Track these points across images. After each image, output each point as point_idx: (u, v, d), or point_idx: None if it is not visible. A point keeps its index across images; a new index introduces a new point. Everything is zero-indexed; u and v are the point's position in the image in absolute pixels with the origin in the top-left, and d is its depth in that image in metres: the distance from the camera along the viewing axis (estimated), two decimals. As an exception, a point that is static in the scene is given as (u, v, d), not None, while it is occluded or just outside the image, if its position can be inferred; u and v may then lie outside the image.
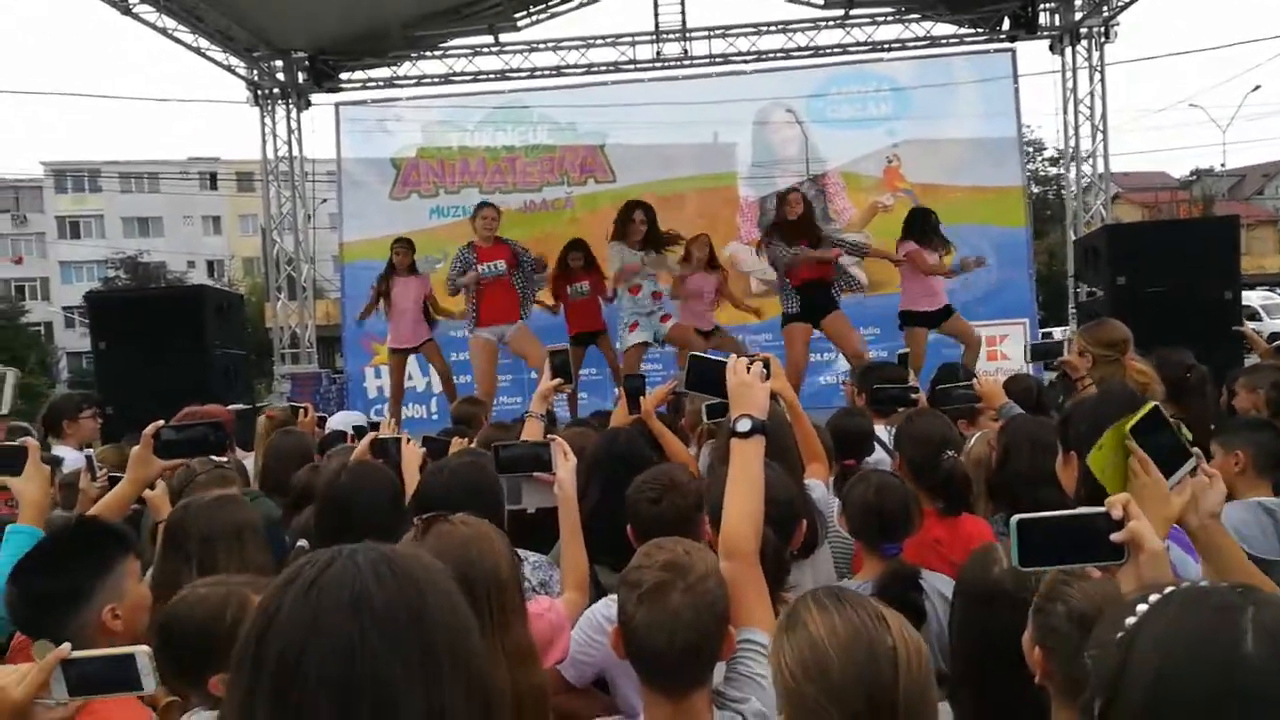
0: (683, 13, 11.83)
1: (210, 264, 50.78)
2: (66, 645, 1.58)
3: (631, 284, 7.74)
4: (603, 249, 8.36)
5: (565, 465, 2.45)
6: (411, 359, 9.05)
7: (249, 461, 4.46)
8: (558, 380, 3.69)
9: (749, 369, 2.15)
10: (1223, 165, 48.31)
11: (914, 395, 3.93)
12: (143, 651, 1.57)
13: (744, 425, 2.04)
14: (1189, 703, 0.93)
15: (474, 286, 7.69)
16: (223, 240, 52.40)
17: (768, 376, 2.22)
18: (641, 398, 3.83)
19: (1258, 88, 65.10)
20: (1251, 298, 25.01)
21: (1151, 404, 2.01)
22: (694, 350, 7.12)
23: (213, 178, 49.83)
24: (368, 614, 0.92)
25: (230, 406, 7.23)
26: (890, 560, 2.63)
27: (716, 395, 2.25)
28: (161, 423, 2.54)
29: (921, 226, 7.66)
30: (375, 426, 4.97)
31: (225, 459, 3.15)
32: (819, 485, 3.23)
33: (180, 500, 2.66)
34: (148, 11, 9.69)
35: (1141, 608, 1.03)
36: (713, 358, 2.33)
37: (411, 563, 1.00)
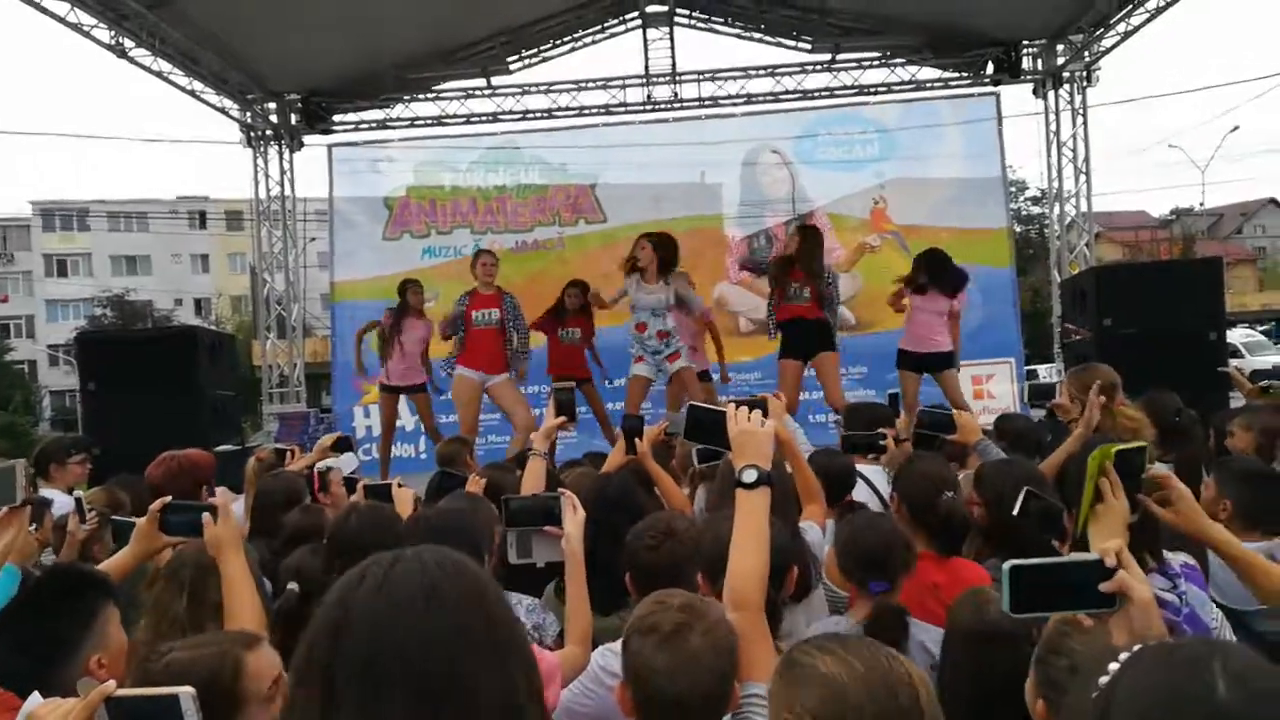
0: (672, 57, 12.00)
1: (198, 302, 50.71)
2: (112, 683, 1.57)
3: (639, 321, 7.65)
4: (604, 285, 8.38)
5: (574, 519, 2.43)
6: (401, 400, 9.02)
7: (238, 505, 4.42)
8: (561, 419, 3.68)
9: (749, 416, 2.15)
10: (1201, 204, 49.10)
11: (882, 442, 3.92)
12: (187, 693, 1.56)
13: (749, 476, 2.02)
14: None
15: (462, 335, 7.70)
16: (210, 278, 52.38)
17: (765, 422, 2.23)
18: (637, 439, 3.83)
19: (1236, 129, 66.22)
20: (1233, 335, 25.24)
21: (1143, 444, 2.08)
22: (694, 396, 7.14)
23: (202, 217, 49.91)
24: (439, 606, 0.96)
25: (219, 448, 7.21)
26: (877, 598, 2.62)
27: (716, 445, 2.24)
28: (169, 499, 2.53)
29: (932, 270, 7.58)
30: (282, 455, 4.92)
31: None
32: (814, 528, 3.23)
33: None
34: (144, 55, 9.77)
35: (1113, 666, 1.05)
36: (711, 407, 2.33)
37: (463, 559, 1.06)
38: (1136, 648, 1.05)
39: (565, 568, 2.45)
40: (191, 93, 10.89)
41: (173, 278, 51.16)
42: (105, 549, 3.73)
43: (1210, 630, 2.29)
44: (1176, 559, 2.32)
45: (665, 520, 2.55)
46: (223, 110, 11.65)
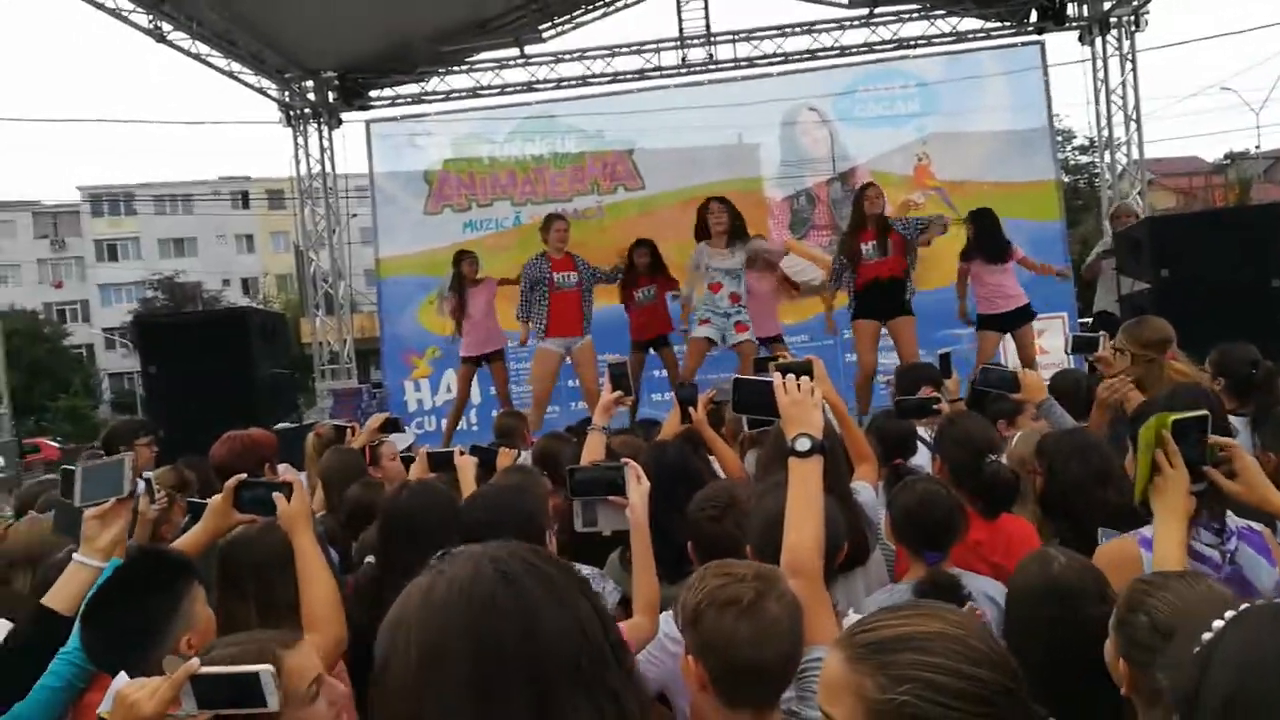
0: (706, 18, 11.84)
1: (245, 281, 51.53)
2: (195, 660, 1.63)
3: (713, 280, 7.65)
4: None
5: (638, 489, 2.46)
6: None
7: (301, 477, 4.52)
8: (618, 393, 3.72)
9: (799, 386, 2.15)
10: (1257, 148, 47.44)
11: (935, 405, 3.89)
12: (267, 670, 1.62)
13: (803, 445, 2.05)
14: (1265, 718, 0.94)
15: (545, 300, 7.83)
16: (256, 258, 53.14)
17: (814, 389, 2.23)
18: (692, 408, 3.85)
19: (1291, 67, 63.66)
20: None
21: (1204, 412, 2.06)
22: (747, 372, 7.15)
23: (244, 196, 50.54)
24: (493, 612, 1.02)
25: (278, 426, 7.36)
26: (931, 567, 2.64)
27: (766, 415, 2.25)
28: (244, 476, 2.60)
29: (978, 233, 7.55)
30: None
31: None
32: (867, 488, 3.23)
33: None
34: (182, 39, 9.88)
35: (1218, 624, 1.04)
36: (758, 379, 2.33)
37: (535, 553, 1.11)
38: (1243, 606, 1.04)
39: (630, 536, 2.48)
40: (230, 74, 11.00)
41: (219, 258, 52.00)
42: (173, 528, 3.84)
43: (1261, 593, 2.22)
44: (1238, 521, 2.29)
45: (727, 490, 2.57)
46: (261, 90, 11.76)
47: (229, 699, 1.63)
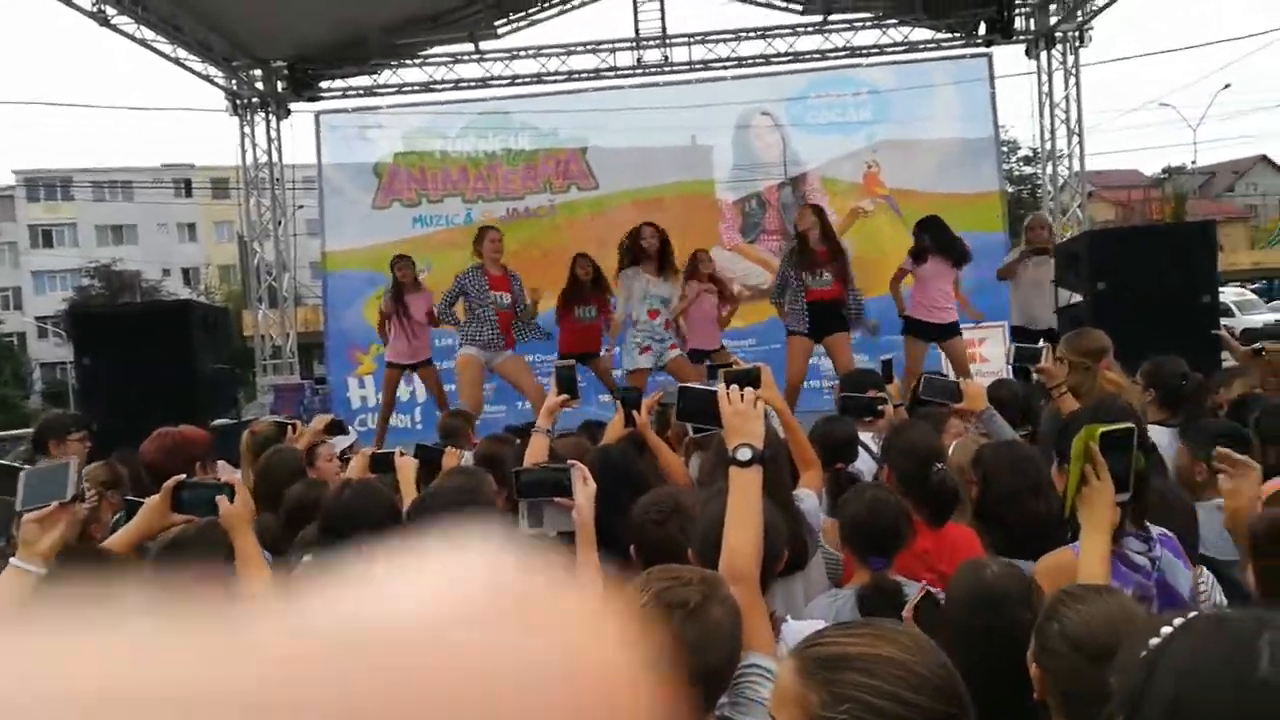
0: (662, 19, 11.88)
1: (186, 272, 50.38)
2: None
3: (652, 307, 7.68)
4: (594, 254, 8.38)
5: (584, 491, 2.47)
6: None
7: (236, 476, 4.44)
8: (564, 396, 3.71)
9: (742, 396, 2.19)
10: (1194, 163, 48.98)
11: (880, 406, 3.95)
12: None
13: (744, 454, 2.09)
14: None
15: (492, 315, 7.68)
16: (198, 247, 52.01)
17: (757, 399, 2.27)
18: (636, 412, 3.85)
19: (1227, 86, 65.70)
20: (1225, 294, 25.35)
21: (1130, 425, 2.14)
22: (689, 379, 7.23)
23: (187, 185, 49.42)
24: None
25: (216, 422, 7.21)
26: (875, 574, 2.69)
27: (709, 425, 2.28)
28: (183, 477, 2.56)
29: (938, 239, 7.68)
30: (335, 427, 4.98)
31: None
32: (810, 496, 3.26)
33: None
34: (126, 23, 9.62)
35: (1165, 630, 1.07)
36: (702, 388, 2.37)
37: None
38: (1191, 614, 1.08)
39: (576, 538, 2.48)
40: (176, 60, 10.75)
41: (159, 247, 50.77)
42: (103, 527, 3.75)
43: (1181, 596, 2.34)
44: (1155, 528, 2.37)
45: (672, 496, 2.58)
46: (207, 78, 11.51)
47: None
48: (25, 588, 2.14)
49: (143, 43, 10.03)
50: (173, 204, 49.33)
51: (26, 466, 2.47)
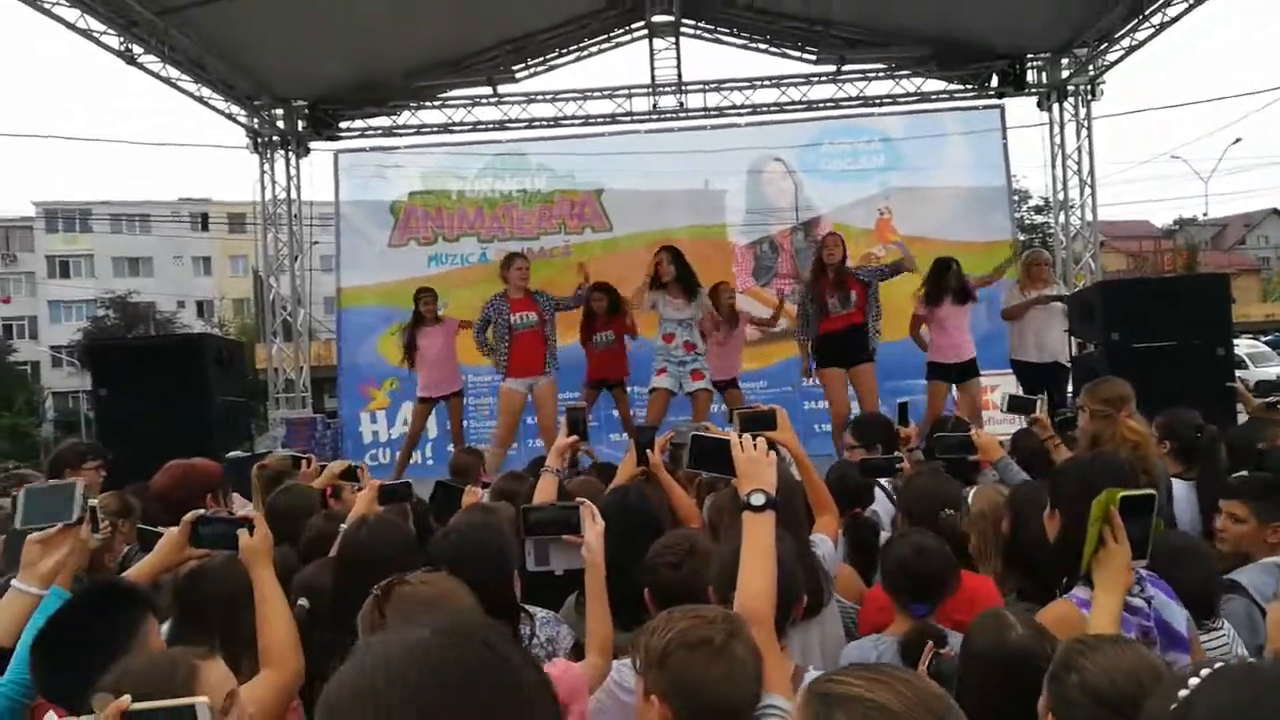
0: (678, 66, 12.05)
1: (200, 304, 50.75)
2: (127, 697, 1.58)
3: (667, 331, 7.80)
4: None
5: (594, 529, 2.48)
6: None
7: (247, 510, 4.44)
8: (574, 438, 3.73)
9: (755, 444, 2.22)
10: (1205, 215, 49.11)
11: (899, 465, 3.95)
12: (203, 703, 1.58)
13: (758, 500, 2.13)
14: None
15: (506, 341, 7.84)
16: (213, 281, 52.43)
17: (771, 447, 2.29)
18: (649, 451, 3.85)
19: (1238, 140, 66.32)
20: (1239, 346, 25.28)
21: (1151, 492, 2.16)
22: (704, 412, 7.29)
23: (204, 219, 49.95)
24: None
25: (229, 454, 7.24)
26: (918, 621, 2.66)
27: (722, 472, 2.30)
28: (202, 512, 2.57)
29: (940, 282, 7.73)
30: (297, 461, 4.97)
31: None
32: (825, 541, 3.25)
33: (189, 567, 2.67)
34: (152, 61, 9.81)
35: (1194, 681, 1.08)
36: (714, 436, 2.39)
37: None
38: (1217, 665, 1.08)
39: (585, 576, 2.48)
40: (199, 99, 10.93)
41: (175, 279, 51.22)
42: (115, 556, 3.75)
43: (1180, 634, 2.35)
44: (1139, 569, 2.37)
45: (687, 538, 2.59)
46: (230, 116, 11.69)
47: None
48: (25, 611, 2.13)
49: (168, 81, 10.22)
50: (189, 237, 49.83)
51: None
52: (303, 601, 2.92)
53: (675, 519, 3.56)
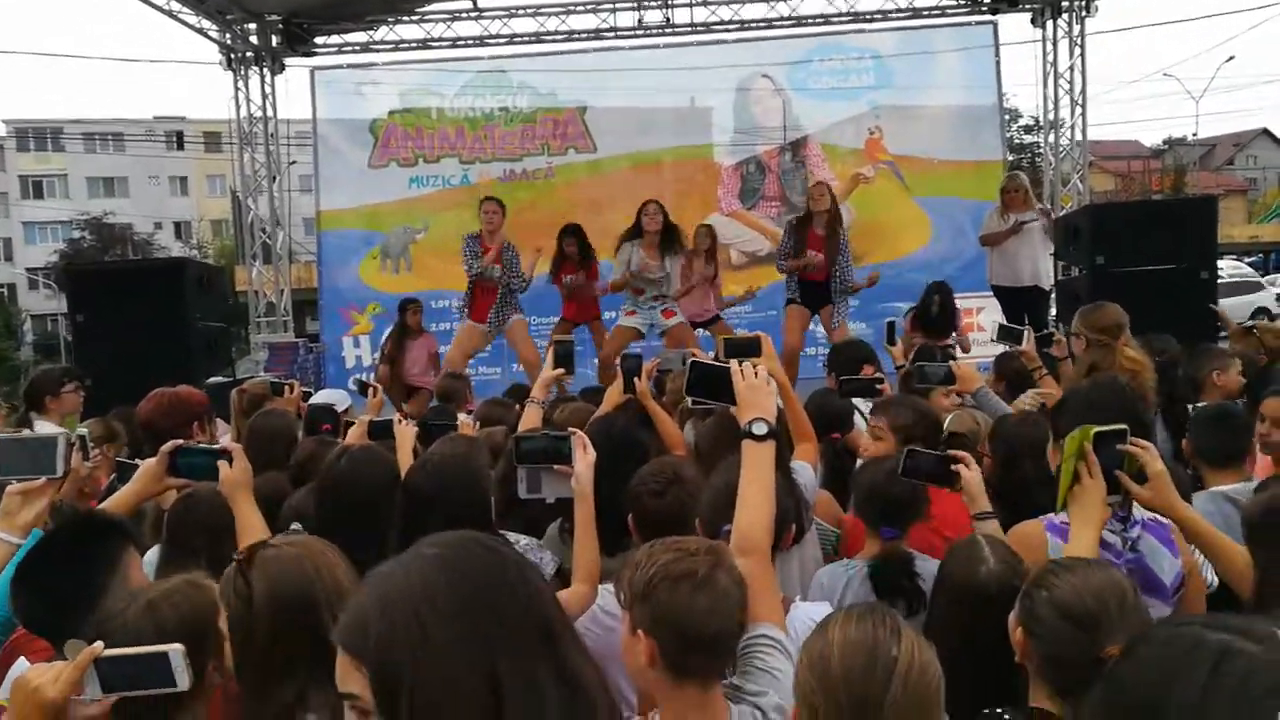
0: (665, -21, 11.70)
1: (177, 225, 49.99)
2: (99, 644, 1.57)
3: (637, 286, 7.76)
4: (588, 222, 8.38)
5: (584, 459, 2.47)
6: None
7: (226, 437, 4.42)
8: (559, 370, 3.70)
9: (755, 372, 2.19)
10: (1195, 135, 48.78)
11: (879, 386, 3.96)
12: (176, 650, 1.58)
13: (759, 429, 2.10)
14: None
15: (472, 283, 7.75)
16: (190, 201, 51.57)
17: (770, 375, 2.26)
18: (636, 379, 3.84)
19: (1231, 59, 65.38)
20: (1222, 268, 25.38)
21: (1123, 426, 2.16)
22: (687, 345, 7.30)
23: (179, 138, 48.83)
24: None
25: (210, 380, 7.19)
26: (886, 544, 2.69)
27: (721, 400, 2.28)
28: (181, 442, 2.53)
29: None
30: (365, 389, 4.97)
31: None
32: (806, 468, 3.26)
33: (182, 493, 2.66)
34: (118, -28, 9.45)
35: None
36: (714, 363, 2.36)
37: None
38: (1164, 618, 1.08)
39: (574, 506, 2.48)
40: (169, 12, 10.57)
41: (151, 200, 50.33)
42: (97, 486, 3.74)
43: (1164, 583, 2.37)
44: (1144, 512, 2.38)
45: (671, 466, 2.58)
46: (201, 31, 11.32)
47: (136, 680, 1.58)
48: (3, 558, 2.11)
49: (136, -7, 9.86)
50: (165, 157, 48.79)
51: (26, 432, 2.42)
52: (296, 525, 2.93)
53: (661, 446, 3.56)
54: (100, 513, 2.41)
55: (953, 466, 2.59)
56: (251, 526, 2.34)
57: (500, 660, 1.00)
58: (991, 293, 8.57)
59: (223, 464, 2.41)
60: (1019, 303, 7.81)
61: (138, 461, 3.06)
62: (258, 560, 1.77)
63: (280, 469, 3.62)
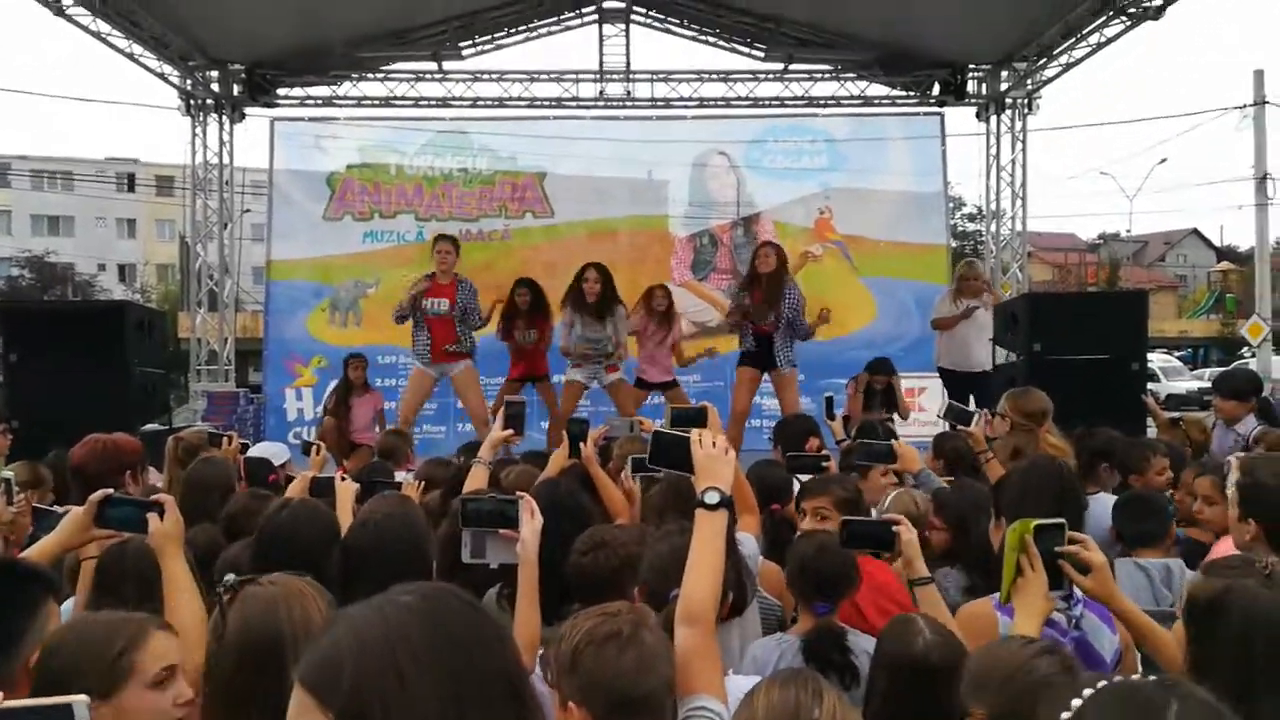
0: (627, 54, 12.01)
1: (122, 268, 49.02)
2: None
3: (583, 350, 7.89)
4: (543, 285, 8.44)
5: (530, 524, 2.45)
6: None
7: (159, 484, 4.31)
8: (509, 431, 3.70)
9: (714, 442, 2.22)
10: (1129, 231, 50.81)
11: (824, 464, 4.01)
12: (80, 701, 1.53)
13: (713, 498, 2.11)
14: None
15: (421, 325, 7.72)
16: (137, 244, 50.68)
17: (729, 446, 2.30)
18: (582, 443, 3.85)
19: (1164, 161, 68.56)
20: (1152, 360, 26.31)
21: (1061, 520, 2.24)
22: (625, 410, 7.40)
23: (130, 180, 48.19)
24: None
25: (145, 427, 7.00)
26: (820, 619, 2.70)
27: (679, 468, 2.30)
28: (110, 492, 2.46)
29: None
30: (309, 448, 4.88)
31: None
32: (750, 540, 3.28)
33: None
34: (82, 14, 9.42)
35: (1076, 702, 1.11)
36: (676, 434, 2.39)
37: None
38: (1101, 684, 1.12)
39: (518, 572, 2.46)
40: (130, 55, 10.55)
41: (96, 241, 49.35)
42: (21, 531, 3.61)
43: (1104, 660, 2.44)
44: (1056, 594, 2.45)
45: (599, 531, 2.61)
46: (162, 76, 11.31)
47: None
48: None
49: (98, 35, 9.84)
50: (114, 199, 48.05)
51: None
52: (230, 577, 2.85)
53: (604, 512, 3.56)
54: (21, 562, 2.33)
55: (894, 528, 2.64)
56: (179, 582, 2.27)
57: (470, 713, 0.99)
58: (936, 374, 8.79)
59: (153, 516, 2.35)
60: (967, 387, 7.99)
61: (57, 509, 2.97)
62: (239, 598, 1.80)
63: (214, 520, 3.54)
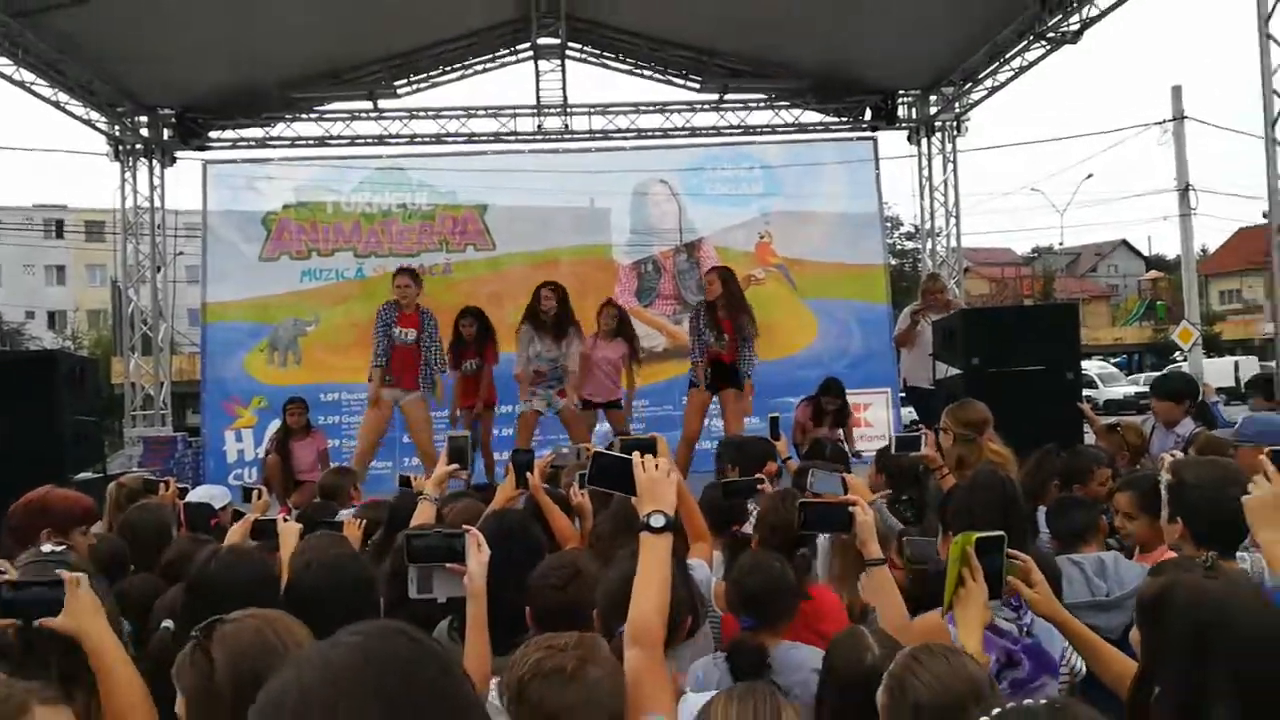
0: (564, 89, 12.07)
1: (51, 315, 47.74)
2: None
3: (539, 368, 8.00)
4: (492, 312, 8.53)
5: (478, 557, 2.42)
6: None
7: (97, 527, 4.17)
8: (454, 466, 3.69)
9: (656, 465, 2.23)
10: (1060, 244, 52.34)
11: (760, 486, 4.03)
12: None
13: (658, 521, 2.13)
14: None
15: (387, 352, 7.80)
16: (67, 291, 49.43)
17: (671, 469, 2.32)
18: (529, 473, 3.84)
19: (1090, 176, 71.10)
20: (1089, 367, 27.04)
21: (1001, 534, 2.30)
22: (576, 436, 7.45)
23: (59, 226, 47.05)
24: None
25: (79, 475, 6.80)
26: (741, 634, 2.73)
27: (621, 490, 2.31)
28: (7, 577, 2.23)
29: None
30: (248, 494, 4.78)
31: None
32: (702, 566, 3.30)
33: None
34: (5, 65, 9.22)
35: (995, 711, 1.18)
36: (616, 455, 2.39)
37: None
38: (995, 711, 1.19)
39: (467, 605, 2.43)
40: (56, 104, 10.32)
41: (25, 289, 48.04)
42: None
43: (1056, 661, 2.53)
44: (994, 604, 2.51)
45: (572, 560, 2.59)
46: (89, 123, 11.09)
47: None
48: None
49: (21, 85, 9.62)
50: (42, 245, 46.83)
51: None
52: (167, 623, 2.77)
53: (554, 542, 3.54)
54: None
55: (849, 509, 2.67)
56: (110, 657, 2.12)
57: None
58: (882, 388, 8.98)
59: (70, 593, 2.12)
60: (932, 402, 8.13)
61: None
62: (216, 636, 1.75)
63: (153, 565, 3.46)
